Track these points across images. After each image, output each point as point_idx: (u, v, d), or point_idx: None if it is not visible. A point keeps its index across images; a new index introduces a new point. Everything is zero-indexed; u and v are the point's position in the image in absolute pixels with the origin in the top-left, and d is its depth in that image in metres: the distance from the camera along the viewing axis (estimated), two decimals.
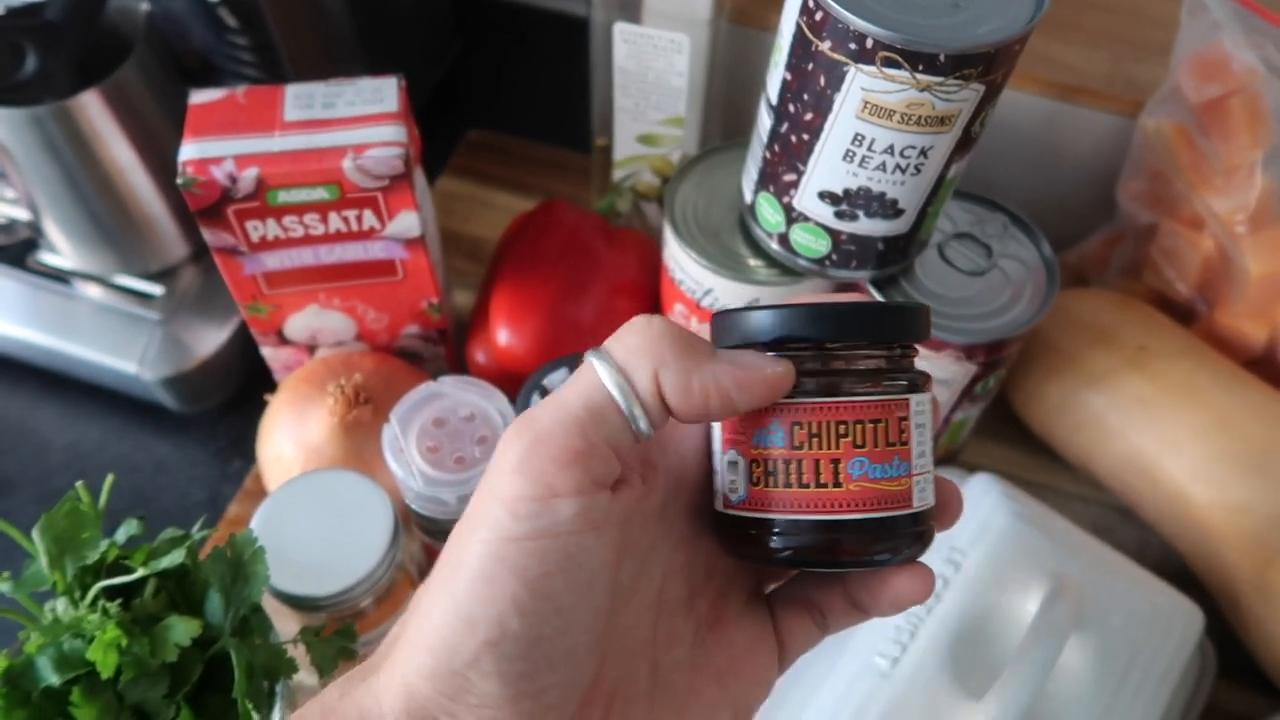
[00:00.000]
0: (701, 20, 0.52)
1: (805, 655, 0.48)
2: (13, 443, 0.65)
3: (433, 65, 0.77)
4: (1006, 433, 0.60)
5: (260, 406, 0.63)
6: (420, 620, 0.24)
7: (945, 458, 0.58)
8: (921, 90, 0.38)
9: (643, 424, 0.24)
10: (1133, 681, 0.44)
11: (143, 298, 0.62)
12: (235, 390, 0.65)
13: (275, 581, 0.40)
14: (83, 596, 0.37)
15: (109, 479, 0.40)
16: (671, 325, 0.25)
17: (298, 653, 0.40)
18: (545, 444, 0.23)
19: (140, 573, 0.37)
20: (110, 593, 0.37)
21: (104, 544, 0.38)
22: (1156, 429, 0.51)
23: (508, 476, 0.23)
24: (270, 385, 0.58)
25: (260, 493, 0.59)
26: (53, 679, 0.35)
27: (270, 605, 0.43)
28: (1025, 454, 0.60)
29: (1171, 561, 0.53)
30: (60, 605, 0.38)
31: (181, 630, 0.36)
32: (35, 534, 0.37)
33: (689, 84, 0.54)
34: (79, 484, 0.38)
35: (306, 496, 0.45)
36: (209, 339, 0.62)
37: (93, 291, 0.63)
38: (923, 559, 0.27)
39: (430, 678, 0.23)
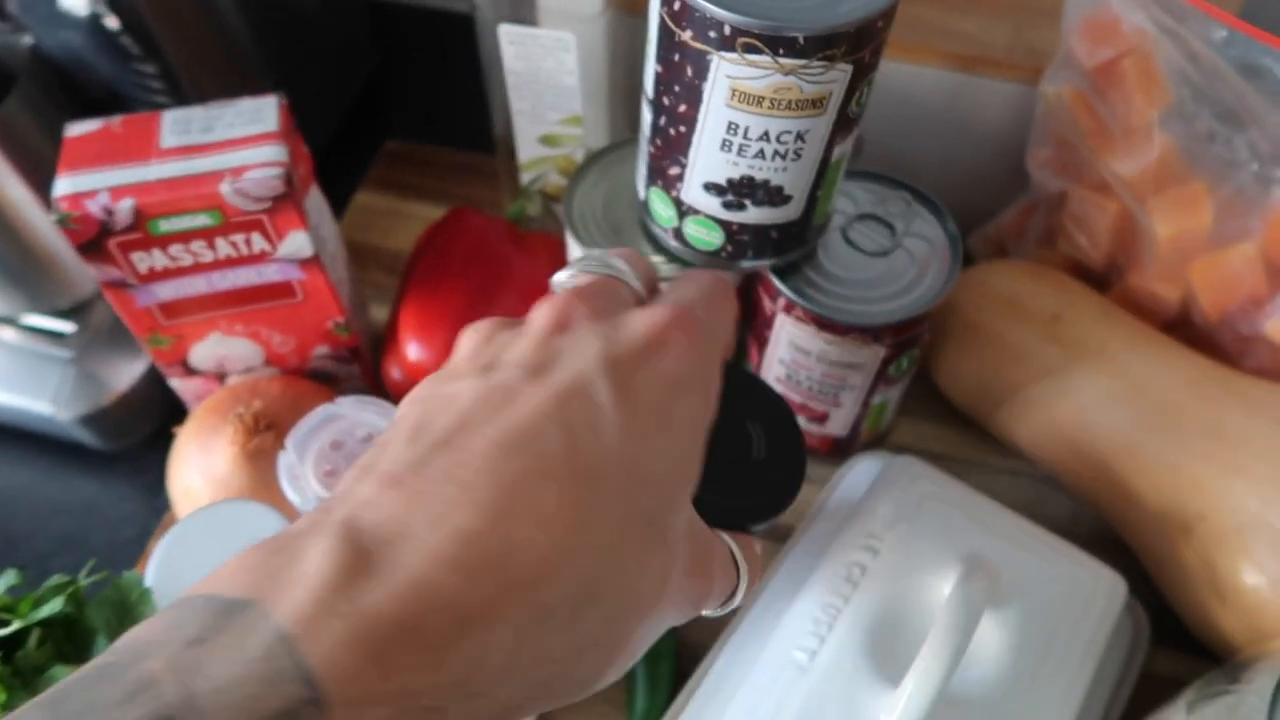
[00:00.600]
0: (589, 16, 0.51)
1: (727, 655, 0.47)
2: None
3: (349, 80, 0.76)
4: (935, 411, 0.60)
5: None
6: None
7: (871, 441, 0.58)
8: (786, 74, 0.37)
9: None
10: (1055, 654, 0.43)
11: (53, 336, 0.61)
12: (159, 423, 0.64)
13: None
14: None
15: None
16: None
17: None
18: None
19: (16, 625, 0.36)
20: None
21: None
22: (1073, 398, 0.50)
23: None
24: (176, 423, 0.57)
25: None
26: None
27: None
28: (954, 431, 0.59)
29: (1105, 531, 0.53)
30: None
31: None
32: None
33: (582, 81, 0.53)
34: None
35: (208, 530, 0.44)
36: (125, 373, 0.61)
37: (2, 334, 0.62)
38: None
39: None
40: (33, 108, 0.55)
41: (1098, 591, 0.45)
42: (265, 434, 0.48)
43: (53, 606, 0.36)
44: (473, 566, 0.22)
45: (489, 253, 0.56)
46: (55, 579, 0.38)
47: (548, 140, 0.57)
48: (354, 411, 0.45)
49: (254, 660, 0.20)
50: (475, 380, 0.27)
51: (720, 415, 0.32)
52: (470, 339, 0.30)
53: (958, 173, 0.61)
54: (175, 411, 0.64)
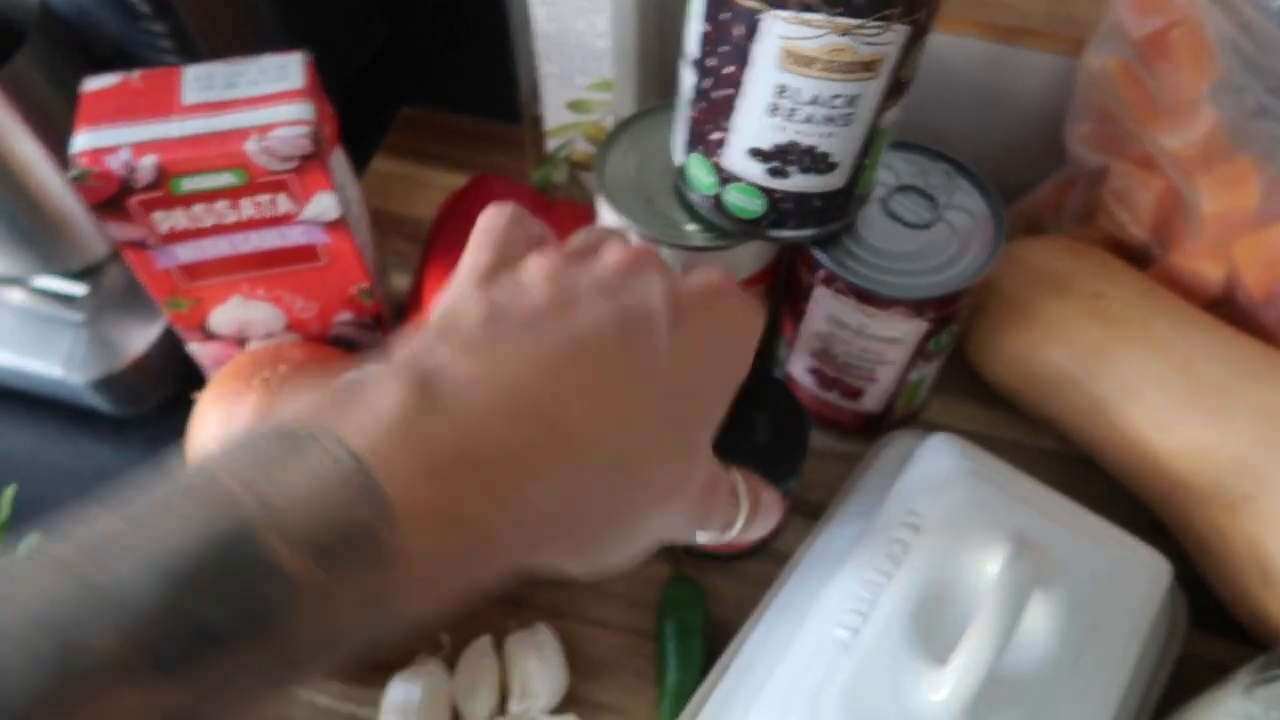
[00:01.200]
0: None
1: (761, 631, 0.47)
2: None
3: (361, 45, 0.75)
4: (968, 389, 0.59)
5: None
6: None
7: (905, 418, 0.57)
8: (842, 34, 0.36)
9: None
10: (1101, 637, 0.43)
11: (65, 299, 0.60)
12: (173, 388, 0.63)
13: None
14: None
15: (9, 490, 0.38)
16: None
17: None
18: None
19: None
20: None
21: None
22: (1115, 377, 0.49)
23: None
24: (195, 388, 0.56)
25: None
26: None
27: None
28: (988, 409, 0.58)
29: (1141, 512, 0.52)
30: None
31: None
32: None
33: (613, 45, 0.51)
34: None
35: None
36: (139, 337, 0.59)
37: (13, 296, 0.60)
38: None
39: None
40: (43, 64, 0.53)
41: (1143, 573, 0.44)
42: None
43: None
44: (524, 416, 0.26)
45: None
46: None
47: (576, 106, 0.55)
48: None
49: (330, 480, 0.23)
50: (550, 287, 0.30)
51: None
52: (501, 231, 0.34)
53: (992, 146, 0.60)
54: (190, 377, 0.63)
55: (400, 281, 0.63)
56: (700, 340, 0.31)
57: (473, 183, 0.57)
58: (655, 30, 0.55)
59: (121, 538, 0.21)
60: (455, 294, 0.31)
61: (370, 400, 0.25)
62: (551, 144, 0.58)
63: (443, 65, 0.77)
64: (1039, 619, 0.42)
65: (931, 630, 0.42)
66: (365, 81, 0.75)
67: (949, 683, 0.39)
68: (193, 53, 0.59)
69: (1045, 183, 0.59)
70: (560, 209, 0.57)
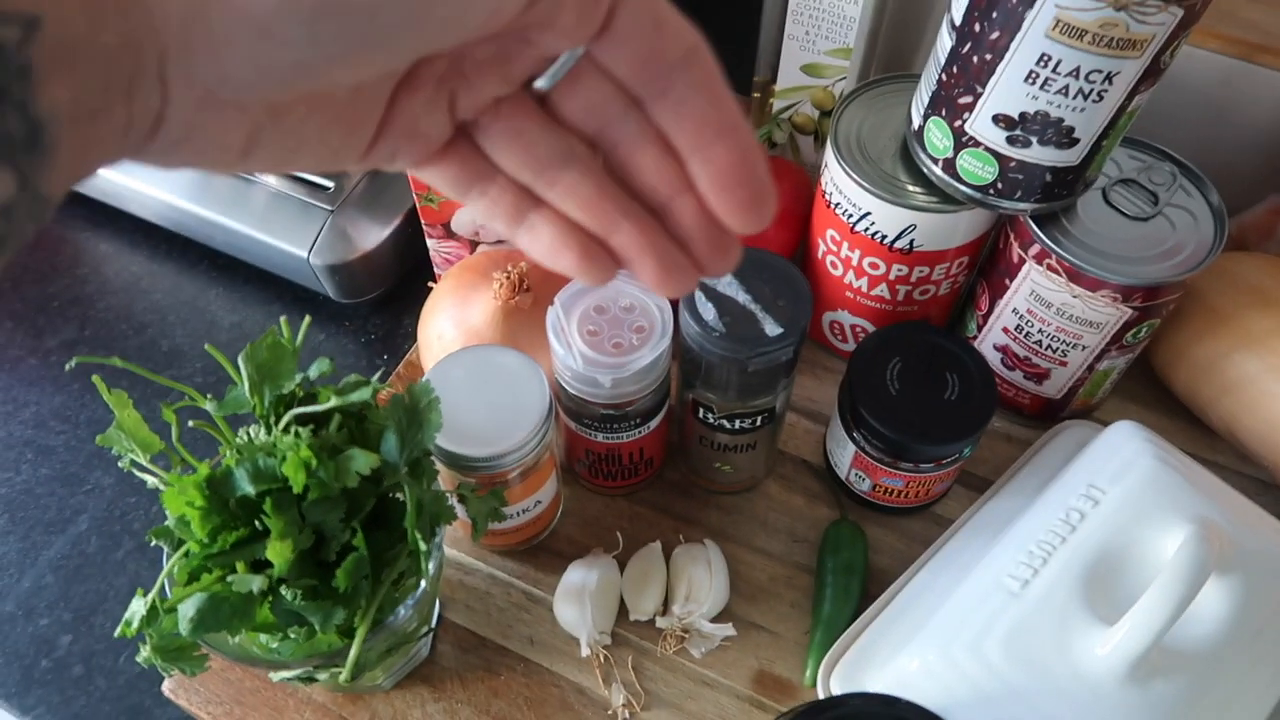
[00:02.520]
0: None
1: (924, 576, 0.49)
2: (185, 317, 0.70)
3: None
4: (1145, 395, 0.60)
5: (410, 306, 0.66)
6: None
7: (1082, 410, 0.58)
8: (1118, 9, 0.38)
9: None
10: (1270, 635, 0.43)
11: (316, 188, 0.66)
12: (388, 288, 0.69)
13: (437, 439, 0.42)
14: (277, 422, 0.40)
15: (306, 319, 0.43)
16: None
17: (455, 506, 0.43)
18: None
19: (331, 403, 0.40)
20: (301, 421, 0.40)
21: (298, 377, 0.41)
22: None
23: None
24: (420, 285, 0.61)
25: (411, 380, 0.62)
26: (249, 489, 0.38)
27: None
28: (1162, 417, 0.59)
29: None
30: (255, 430, 0.41)
31: (362, 460, 0.39)
32: (240, 361, 0.41)
33: (861, 14, 0.54)
34: (281, 319, 0.42)
35: (470, 368, 0.47)
36: (372, 234, 0.65)
37: (270, 178, 0.67)
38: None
39: None
40: None
41: None
42: (525, 295, 0.52)
43: (360, 395, 0.40)
44: None
45: None
46: (353, 376, 0.42)
47: (811, 69, 0.59)
48: (618, 281, 0.48)
49: None
50: None
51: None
52: None
53: (1210, 160, 0.60)
54: (406, 280, 0.69)
55: None
56: None
57: None
58: (893, 8, 0.58)
59: None
60: None
61: None
62: (777, 105, 0.62)
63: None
64: (1213, 602, 0.43)
65: (1103, 593, 0.43)
66: None
67: (1116, 639, 0.41)
68: None
69: (1260, 205, 0.59)
70: (777, 166, 0.61)
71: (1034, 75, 0.42)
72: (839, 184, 0.52)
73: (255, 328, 0.70)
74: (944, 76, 0.46)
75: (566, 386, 0.48)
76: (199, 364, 0.68)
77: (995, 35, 0.42)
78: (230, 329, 0.70)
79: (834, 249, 0.55)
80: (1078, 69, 0.41)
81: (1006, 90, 0.43)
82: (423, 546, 0.39)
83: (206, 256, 0.73)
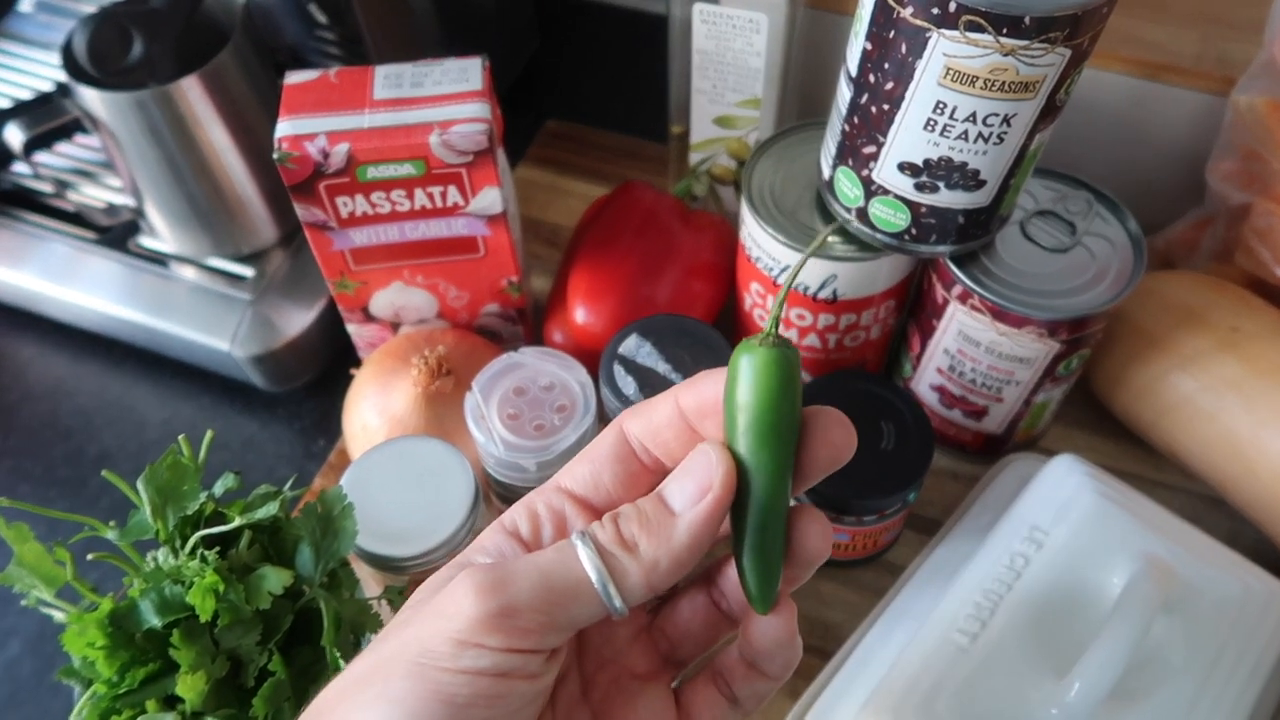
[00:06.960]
0: (779, 1, 0.52)
1: (876, 634, 0.48)
2: (112, 418, 0.68)
3: (512, 60, 0.79)
4: (1088, 420, 0.59)
5: (343, 387, 0.65)
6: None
7: (1025, 442, 0.57)
8: (1005, 55, 0.38)
9: (618, 604, 0.25)
10: (1224, 667, 0.43)
11: (235, 279, 0.65)
12: (319, 372, 0.67)
13: (360, 542, 0.41)
14: (182, 545, 0.39)
15: (208, 434, 0.42)
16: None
17: (381, 610, 0.41)
18: (514, 617, 0.24)
19: (238, 522, 0.38)
20: (208, 542, 0.38)
21: (203, 496, 0.39)
22: (1251, 411, 0.49)
23: (470, 623, 0.24)
24: (353, 365, 0.60)
25: (343, 468, 0.60)
26: (154, 621, 0.36)
27: (353, 566, 0.44)
28: (1107, 440, 0.58)
29: (1266, 551, 0.52)
30: (161, 554, 0.39)
31: (274, 579, 0.37)
32: (139, 485, 0.39)
33: (766, 64, 0.54)
34: (181, 437, 0.40)
35: (391, 462, 0.46)
36: (296, 320, 0.64)
37: (188, 273, 0.65)
38: None
39: None
40: (242, 62, 0.59)
41: (1271, 606, 0.44)
42: (445, 378, 0.50)
43: (268, 510, 0.39)
44: None
45: (658, 226, 0.58)
46: (264, 487, 0.41)
47: (723, 122, 0.58)
48: (536, 361, 0.47)
49: None
50: None
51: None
52: None
53: (1129, 181, 0.60)
54: (336, 361, 0.67)
55: (537, 282, 0.67)
56: None
57: (620, 188, 0.60)
58: (800, 56, 0.57)
59: None
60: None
61: None
62: (694, 158, 0.61)
63: (585, 82, 0.81)
64: (1161, 642, 0.42)
65: (1052, 643, 0.42)
66: (514, 95, 0.79)
67: (1068, 693, 0.40)
68: (361, 61, 0.64)
69: (1181, 220, 0.59)
70: (700, 219, 0.60)
71: (932, 123, 0.41)
72: (756, 239, 0.51)
73: (184, 423, 0.68)
74: (846, 127, 0.45)
75: (492, 473, 0.46)
76: (129, 465, 0.66)
77: (890, 85, 0.41)
78: (160, 425, 0.68)
79: (760, 302, 0.54)
80: (974, 114, 0.40)
81: (907, 138, 0.42)
82: (342, 665, 0.38)
83: (132, 354, 0.71)
